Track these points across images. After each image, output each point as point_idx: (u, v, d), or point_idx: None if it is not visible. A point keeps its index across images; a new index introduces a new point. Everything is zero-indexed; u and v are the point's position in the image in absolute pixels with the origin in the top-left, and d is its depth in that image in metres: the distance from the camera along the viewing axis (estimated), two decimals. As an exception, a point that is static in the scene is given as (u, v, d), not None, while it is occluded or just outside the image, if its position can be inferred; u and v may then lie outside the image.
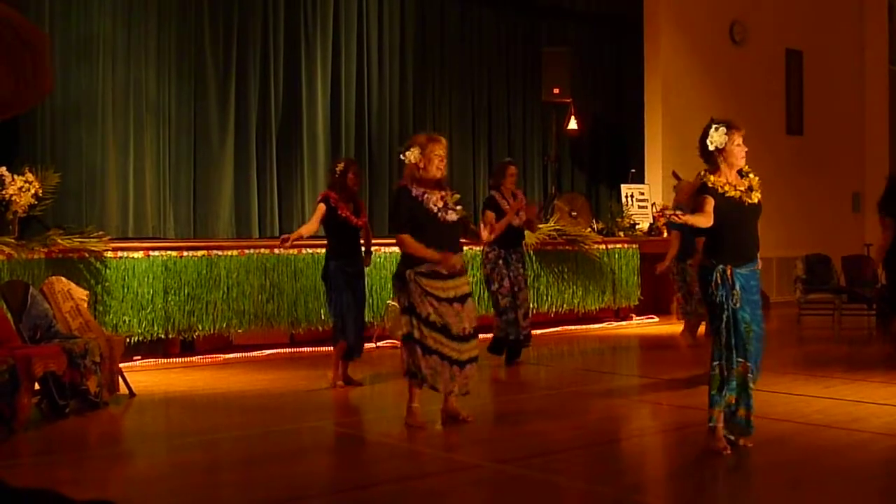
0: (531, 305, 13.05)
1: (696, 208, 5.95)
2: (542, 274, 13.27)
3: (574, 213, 14.25)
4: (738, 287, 5.86)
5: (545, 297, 13.30)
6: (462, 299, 6.75)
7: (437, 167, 6.80)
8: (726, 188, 5.97)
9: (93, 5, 11.46)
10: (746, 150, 6.05)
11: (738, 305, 5.84)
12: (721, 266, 5.88)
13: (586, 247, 13.65)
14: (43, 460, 6.19)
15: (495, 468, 5.82)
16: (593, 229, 14.29)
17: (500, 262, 9.61)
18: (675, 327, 12.05)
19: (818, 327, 13.45)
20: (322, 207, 8.60)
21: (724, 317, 5.87)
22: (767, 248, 16.74)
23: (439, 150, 6.81)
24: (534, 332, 12.91)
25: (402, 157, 6.94)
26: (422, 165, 6.77)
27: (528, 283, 10.09)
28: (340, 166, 8.80)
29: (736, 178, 6.05)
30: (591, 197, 16.01)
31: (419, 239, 6.66)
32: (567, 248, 13.56)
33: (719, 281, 5.87)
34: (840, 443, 6.26)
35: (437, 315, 6.62)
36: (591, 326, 13.76)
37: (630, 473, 5.94)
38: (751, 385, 5.92)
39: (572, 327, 13.58)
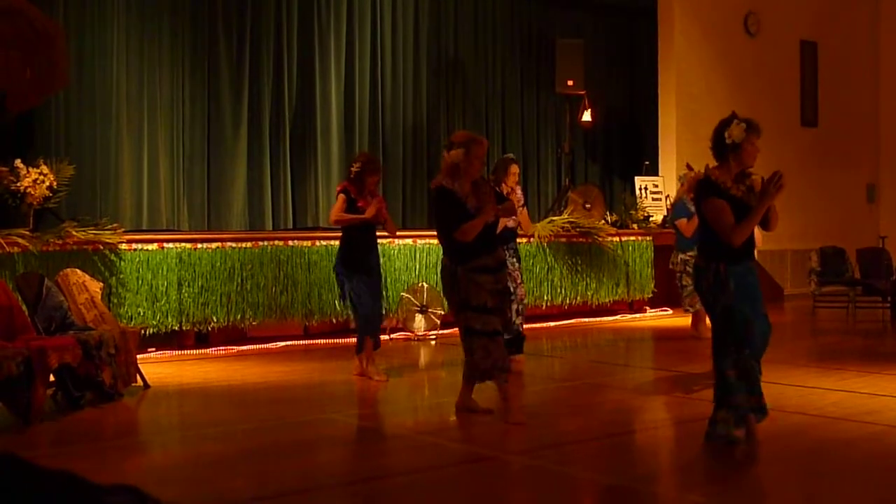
0: (545, 297, 13.11)
1: (720, 216, 5.77)
2: (556, 266, 13.27)
3: (588, 206, 14.23)
4: (732, 284, 5.75)
5: (559, 290, 13.29)
6: (504, 291, 6.90)
7: (478, 169, 6.87)
8: (730, 186, 5.85)
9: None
10: (759, 151, 5.94)
11: (731, 301, 5.74)
12: (714, 265, 5.81)
13: (600, 239, 13.64)
14: (58, 451, 6.21)
15: (508, 459, 5.83)
16: (607, 221, 14.27)
17: None
18: (688, 320, 12.00)
19: (833, 320, 13.42)
20: (343, 198, 8.59)
21: (720, 314, 5.82)
22: (782, 241, 16.83)
23: (481, 153, 6.86)
24: (547, 324, 13.01)
25: (445, 154, 6.97)
26: (463, 166, 6.78)
27: (523, 278, 9.81)
28: (356, 167, 8.62)
29: (738, 177, 5.91)
30: (605, 189, 16.00)
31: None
32: (581, 240, 13.55)
33: (712, 280, 5.81)
34: (854, 435, 6.24)
35: (494, 301, 6.73)
36: (605, 319, 13.74)
37: (643, 465, 5.94)
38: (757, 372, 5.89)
39: (586, 319, 13.57)
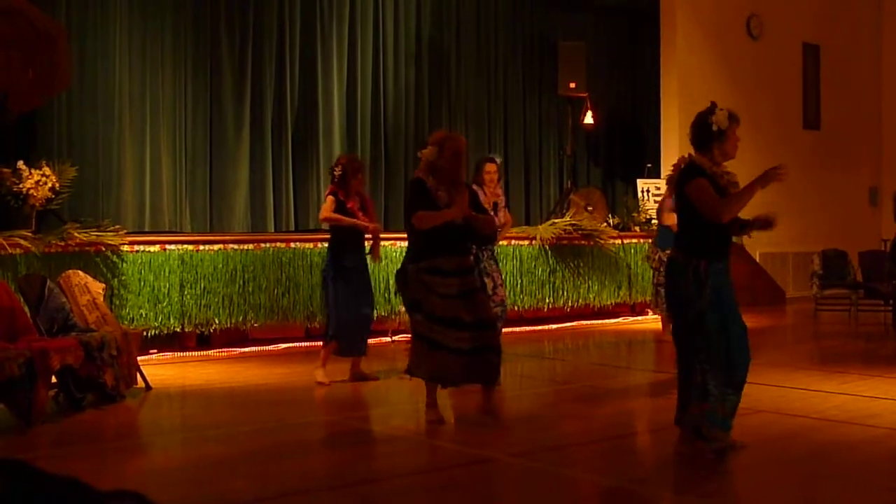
0: (547, 300, 13.11)
1: (706, 192, 5.58)
2: (558, 268, 13.26)
3: (590, 208, 14.23)
4: (709, 287, 5.55)
5: (561, 292, 13.29)
6: (467, 294, 6.68)
7: (457, 166, 6.75)
8: (715, 171, 5.68)
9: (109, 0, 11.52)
10: (739, 141, 5.79)
11: (705, 308, 5.53)
12: (694, 261, 5.60)
13: (602, 241, 13.63)
14: (60, 452, 6.22)
15: (509, 461, 5.82)
16: (609, 224, 14.27)
17: None
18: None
19: (835, 323, 13.40)
20: (332, 199, 8.58)
21: (694, 319, 5.58)
22: (784, 243, 16.79)
23: (455, 148, 6.73)
24: (549, 326, 13.02)
25: (419, 154, 6.93)
26: (440, 164, 6.72)
27: (503, 281, 9.58)
28: (338, 171, 8.62)
29: (721, 171, 5.74)
30: (607, 191, 15.99)
31: (427, 234, 6.64)
32: (583, 242, 13.55)
33: (690, 279, 5.58)
34: (856, 438, 6.23)
35: (443, 310, 6.56)
36: (607, 321, 13.74)
37: (643, 467, 5.93)
38: (714, 390, 5.57)
39: (588, 322, 13.57)
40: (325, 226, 8.95)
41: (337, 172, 8.62)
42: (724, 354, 5.60)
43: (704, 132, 5.75)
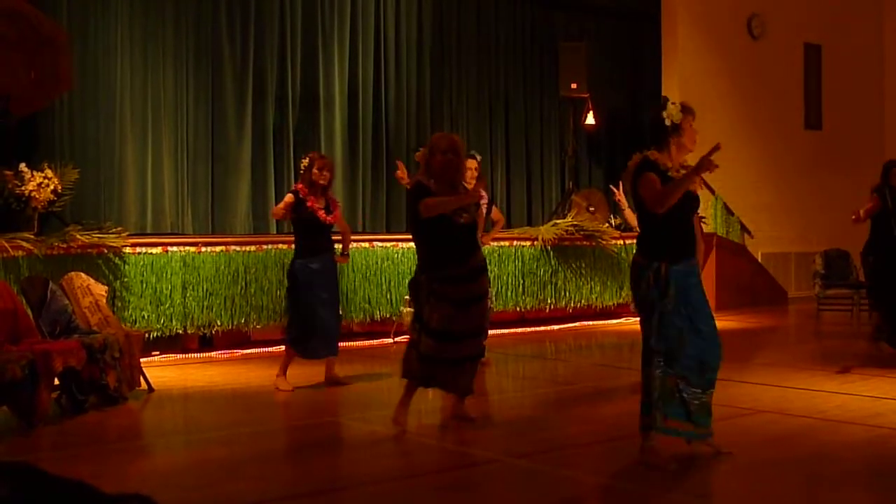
0: (549, 301, 13.11)
1: (651, 186, 5.47)
2: (560, 269, 13.26)
3: (591, 209, 14.23)
4: (672, 289, 5.43)
5: (563, 293, 13.28)
6: (477, 300, 6.62)
7: (450, 167, 6.59)
8: (669, 167, 5.56)
9: (110, 1, 11.53)
10: (697, 133, 5.66)
11: (669, 310, 5.43)
12: (655, 263, 5.46)
13: (604, 242, 13.63)
14: (62, 455, 6.22)
15: (511, 463, 5.83)
16: (611, 224, 14.26)
17: None
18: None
19: (837, 323, 13.39)
20: (290, 197, 8.45)
21: (653, 320, 5.47)
22: (785, 244, 16.73)
23: (445, 146, 6.59)
24: (551, 327, 13.02)
25: (416, 158, 6.90)
26: (433, 164, 6.63)
27: (490, 285, 9.40)
28: (304, 162, 8.57)
29: (678, 165, 5.64)
30: (609, 192, 15.98)
31: (433, 240, 6.60)
32: (584, 243, 13.54)
33: (652, 281, 5.45)
34: (858, 438, 6.23)
35: (445, 321, 6.44)
36: (609, 322, 13.74)
37: (643, 468, 5.92)
38: (686, 394, 5.49)
39: (590, 322, 13.56)
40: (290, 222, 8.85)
41: (304, 163, 8.60)
42: (696, 355, 5.52)
43: (660, 128, 5.62)
